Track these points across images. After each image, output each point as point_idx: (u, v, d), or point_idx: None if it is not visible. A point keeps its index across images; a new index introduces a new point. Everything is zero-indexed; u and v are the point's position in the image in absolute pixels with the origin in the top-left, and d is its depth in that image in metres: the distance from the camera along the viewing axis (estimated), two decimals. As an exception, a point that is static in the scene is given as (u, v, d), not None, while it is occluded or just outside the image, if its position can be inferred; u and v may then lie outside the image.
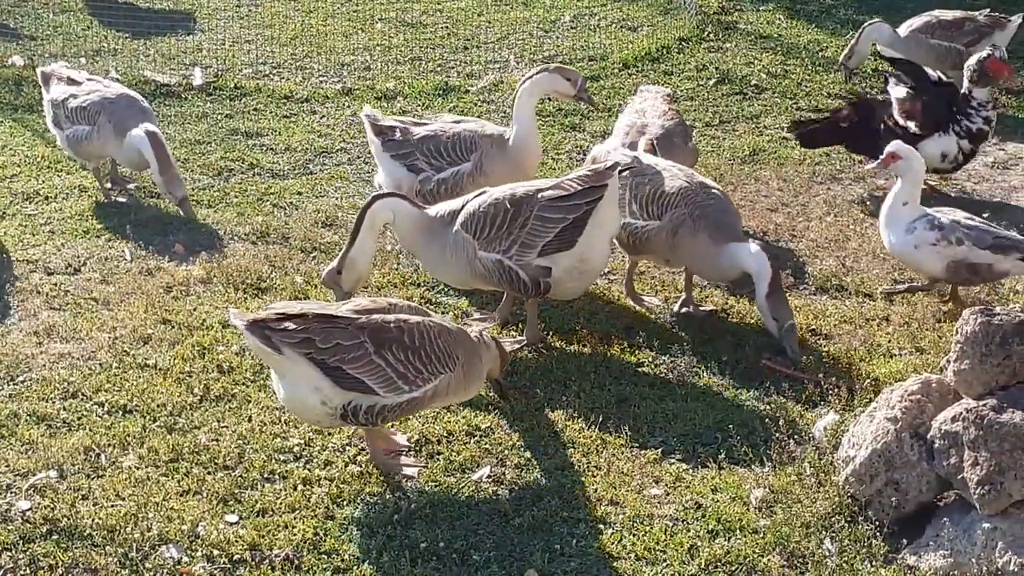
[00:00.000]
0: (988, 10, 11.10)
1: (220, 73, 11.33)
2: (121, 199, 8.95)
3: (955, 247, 7.30)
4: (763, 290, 6.91)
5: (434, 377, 5.79)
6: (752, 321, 7.41)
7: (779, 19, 13.11)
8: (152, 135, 8.36)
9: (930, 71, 9.36)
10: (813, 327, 7.33)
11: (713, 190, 7.31)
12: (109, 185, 9.00)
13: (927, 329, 7.26)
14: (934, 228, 7.36)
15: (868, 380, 6.70)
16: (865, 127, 9.27)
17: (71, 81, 8.90)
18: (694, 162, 8.46)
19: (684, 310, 7.47)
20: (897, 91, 9.23)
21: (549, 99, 10.86)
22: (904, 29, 10.91)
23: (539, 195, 6.79)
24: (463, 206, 6.86)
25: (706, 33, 12.55)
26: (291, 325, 5.56)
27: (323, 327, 5.60)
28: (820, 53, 12.16)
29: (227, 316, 5.73)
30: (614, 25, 12.95)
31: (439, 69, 11.74)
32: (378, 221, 6.73)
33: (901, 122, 9.10)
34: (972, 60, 9.01)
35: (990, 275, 7.37)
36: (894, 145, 7.63)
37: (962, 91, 9.05)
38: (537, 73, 7.81)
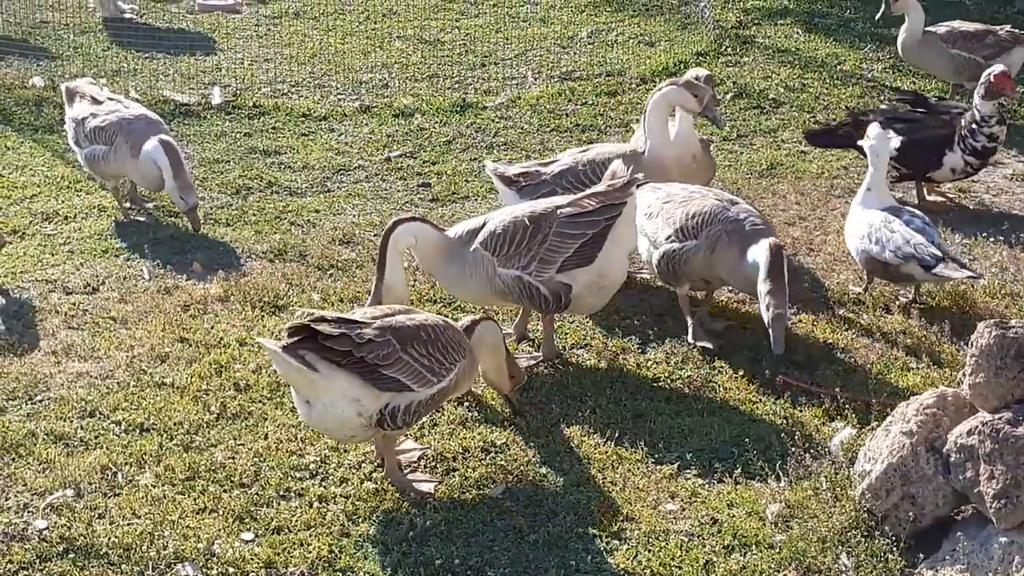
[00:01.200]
0: (1009, 26, 11.07)
1: (239, 92, 11.39)
2: (140, 218, 9.00)
3: (873, 246, 7.58)
4: (762, 274, 6.88)
5: (454, 365, 5.92)
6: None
7: (797, 33, 13.10)
8: (165, 143, 8.45)
9: (931, 98, 9.42)
10: (830, 341, 7.30)
11: (741, 203, 7.35)
12: (128, 204, 9.05)
13: (945, 342, 7.22)
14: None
15: (885, 394, 6.68)
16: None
17: (93, 100, 8.97)
18: (712, 174, 8.49)
19: (700, 343, 7.28)
20: (893, 143, 9.15)
21: (566, 114, 10.91)
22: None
23: (558, 212, 6.84)
24: (483, 225, 6.89)
25: (723, 47, 12.55)
26: (325, 329, 5.58)
27: (353, 326, 5.66)
28: (838, 67, 12.14)
29: (255, 341, 5.76)
30: (631, 40, 12.96)
31: (457, 86, 11.76)
32: (401, 245, 6.74)
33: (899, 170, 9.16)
34: (984, 74, 8.99)
35: (899, 276, 7.55)
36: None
37: (972, 105, 9.00)
38: (667, 86, 7.85)
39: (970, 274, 7.35)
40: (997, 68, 8.97)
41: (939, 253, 7.37)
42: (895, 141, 8.09)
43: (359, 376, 5.64)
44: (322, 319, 5.66)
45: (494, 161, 8.52)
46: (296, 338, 5.62)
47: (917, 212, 7.85)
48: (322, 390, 5.66)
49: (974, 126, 8.92)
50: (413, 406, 5.79)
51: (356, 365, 5.62)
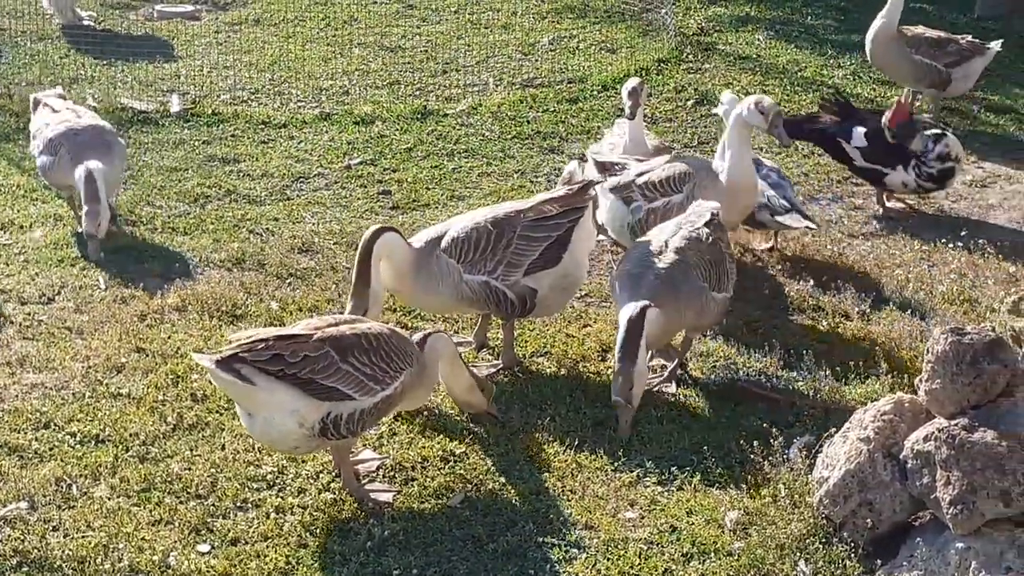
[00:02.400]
0: (970, 36, 11.11)
1: (198, 99, 11.32)
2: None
3: None
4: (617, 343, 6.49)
5: (399, 373, 5.88)
6: (726, 343, 7.40)
7: (758, 40, 13.14)
8: (87, 174, 8.24)
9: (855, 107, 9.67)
10: (789, 348, 7.30)
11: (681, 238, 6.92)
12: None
13: (903, 349, 7.24)
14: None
15: (844, 401, 6.69)
16: (834, 144, 9.38)
17: (52, 110, 8.89)
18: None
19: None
20: (857, 139, 9.23)
21: (528, 121, 10.90)
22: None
23: (520, 216, 6.87)
24: (443, 233, 6.87)
25: (685, 54, 12.57)
26: (258, 346, 5.55)
27: (288, 344, 5.61)
28: (799, 73, 12.18)
29: (193, 357, 5.68)
30: (593, 47, 12.96)
31: (418, 93, 11.73)
32: (382, 254, 6.68)
33: (862, 164, 9.21)
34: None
35: (755, 222, 8.27)
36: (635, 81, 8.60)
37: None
38: (744, 108, 7.73)
39: (808, 224, 8.12)
40: (894, 105, 9.14)
41: (788, 204, 8.13)
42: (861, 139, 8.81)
43: (297, 387, 5.60)
44: (257, 340, 5.61)
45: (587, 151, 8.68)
46: (232, 352, 5.57)
47: (774, 167, 8.51)
48: (261, 403, 5.62)
49: (922, 157, 8.99)
50: (356, 415, 5.74)
51: (293, 377, 5.59)
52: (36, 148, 8.75)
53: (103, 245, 8.33)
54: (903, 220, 9.21)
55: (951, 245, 8.62)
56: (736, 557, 5.58)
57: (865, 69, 12.17)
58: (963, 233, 8.80)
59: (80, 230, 8.75)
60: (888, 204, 9.41)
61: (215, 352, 5.67)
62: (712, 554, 5.62)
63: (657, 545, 5.70)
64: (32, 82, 11.29)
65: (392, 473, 6.20)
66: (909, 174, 9.03)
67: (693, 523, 5.82)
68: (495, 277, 6.81)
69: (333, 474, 6.12)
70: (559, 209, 6.94)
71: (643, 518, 5.88)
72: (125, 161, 9.04)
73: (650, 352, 6.77)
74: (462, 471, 6.20)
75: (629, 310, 6.45)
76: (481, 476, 6.16)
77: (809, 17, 13.94)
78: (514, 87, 11.85)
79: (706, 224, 6.94)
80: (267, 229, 8.92)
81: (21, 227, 8.87)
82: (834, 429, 5.96)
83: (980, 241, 8.60)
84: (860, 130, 9.21)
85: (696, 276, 6.66)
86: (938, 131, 9.12)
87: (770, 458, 6.00)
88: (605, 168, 8.02)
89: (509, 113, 11.12)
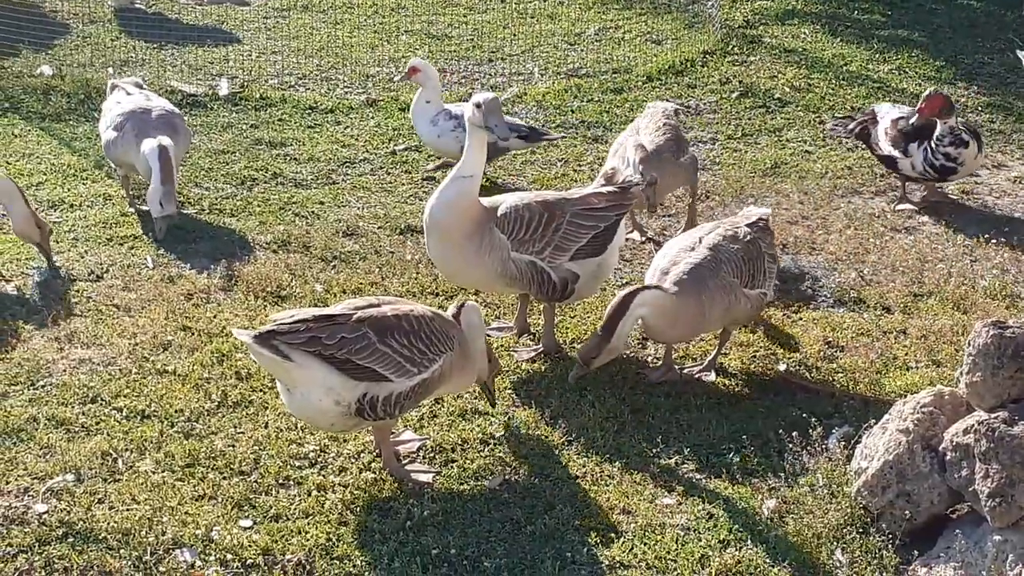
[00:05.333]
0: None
1: (246, 84, 11.42)
2: (145, 207, 9.01)
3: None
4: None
5: (439, 357, 5.89)
6: (766, 333, 7.43)
7: (804, 33, 13.12)
8: (162, 149, 8.38)
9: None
10: (830, 339, 7.32)
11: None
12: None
13: (944, 342, 7.24)
14: (451, 118, 9.22)
15: (883, 393, 6.70)
16: (864, 132, 9.52)
17: (127, 93, 9.04)
18: (689, 175, 8.54)
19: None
20: (885, 122, 9.25)
21: (572, 110, 10.93)
22: None
23: (569, 203, 7.01)
24: (496, 205, 6.94)
25: (730, 47, 12.57)
26: (296, 327, 5.62)
27: (325, 325, 5.67)
28: (844, 67, 12.16)
29: (233, 333, 5.76)
30: (639, 38, 12.98)
31: (463, 81, 11.79)
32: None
33: (885, 143, 9.23)
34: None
35: (495, 152, 8.89)
36: (414, 61, 9.57)
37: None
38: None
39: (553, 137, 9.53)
40: (930, 91, 9.08)
41: (526, 131, 9.32)
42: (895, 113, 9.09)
43: (333, 366, 5.66)
44: (298, 320, 5.66)
45: None
46: (271, 328, 5.64)
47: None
48: (298, 379, 5.69)
49: (935, 143, 8.96)
50: (393, 397, 5.78)
51: (330, 357, 5.64)
52: (103, 126, 8.88)
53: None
54: (946, 214, 9.19)
55: (994, 241, 8.60)
56: (773, 545, 5.60)
57: (911, 64, 12.13)
58: (1006, 229, 8.78)
59: (136, 207, 8.86)
60: (901, 206, 9.31)
61: (255, 329, 5.75)
62: (749, 541, 5.65)
63: (694, 531, 5.73)
64: (84, 64, 11.42)
65: (432, 454, 6.26)
66: (919, 155, 9.02)
67: (730, 510, 5.85)
68: (542, 258, 6.89)
69: (374, 454, 6.19)
70: (606, 203, 7.08)
71: (680, 504, 5.91)
72: (188, 146, 9.15)
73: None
74: (501, 454, 6.26)
75: (625, 289, 6.62)
76: (520, 459, 6.22)
77: (856, 12, 13.91)
78: (559, 76, 11.89)
79: (748, 224, 6.98)
80: (312, 212, 9.00)
81: (72, 206, 8.99)
82: (873, 420, 5.98)
83: (1023, 238, 8.57)
84: (891, 113, 9.25)
85: (726, 272, 6.69)
86: (967, 134, 9.01)
87: (808, 448, 6.02)
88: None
89: (554, 102, 11.16)
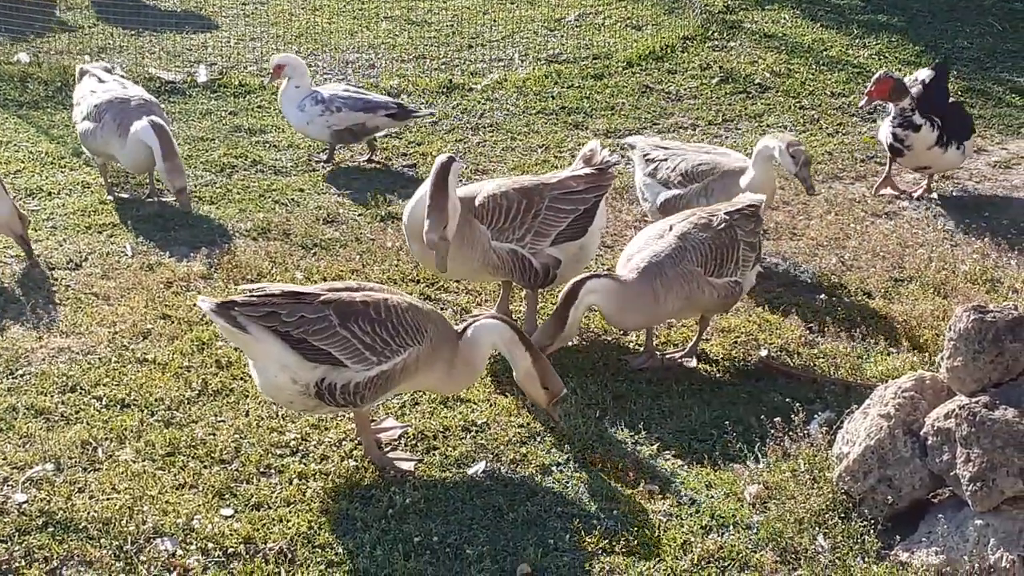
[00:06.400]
0: None
1: (225, 71, 11.37)
2: (123, 195, 8.99)
3: (336, 114, 9.25)
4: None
5: (403, 350, 5.76)
6: (747, 319, 7.43)
7: (784, 18, 13.12)
8: (157, 125, 8.37)
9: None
10: (811, 325, 7.33)
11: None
12: (148, 193, 8.97)
13: (925, 327, 7.25)
14: (318, 103, 9.28)
15: (865, 378, 6.71)
16: None
17: (98, 80, 8.95)
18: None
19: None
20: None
21: (553, 96, 10.92)
22: None
23: (547, 188, 6.98)
24: (473, 196, 6.90)
25: (710, 32, 12.56)
26: (256, 301, 5.59)
27: (288, 303, 5.63)
28: (824, 52, 12.16)
29: (197, 301, 5.72)
30: (619, 24, 12.96)
31: (443, 67, 11.76)
32: (454, 180, 6.59)
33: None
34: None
35: (365, 132, 9.30)
36: (276, 58, 9.65)
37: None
38: (777, 145, 7.55)
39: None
40: (880, 74, 9.14)
41: (395, 108, 9.44)
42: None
43: (288, 344, 5.61)
44: (265, 295, 5.63)
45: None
46: (232, 299, 5.62)
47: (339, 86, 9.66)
48: (257, 352, 5.67)
49: (891, 120, 9.03)
50: (352, 386, 5.71)
51: (286, 334, 5.60)
52: (79, 115, 8.80)
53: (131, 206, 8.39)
54: (926, 200, 9.20)
55: (974, 225, 8.62)
56: (755, 530, 5.61)
57: (891, 49, 12.15)
58: (986, 213, 8.80)
59: (115, 195, 8.83)
60: (883, 191, 9.32)
61: (217, 299, 5.71)
62: (731, 527, 5.65)
63: (676, 517, 5.73)
64: (61, 51, 11.35)
65: (414, 442, 6.25)
66: (887, 128, 9.10)
67: (712, 496, 5.85)
68: (523, 245, 6.88)
69: (356, 442, 6.17)
70: (584, 185, 7.03)
71: (663, 490, 5.91)
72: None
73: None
74: (483, 441, 6.25)
75: (576, 276, 6.61)
76: (502, 446, 6.21)
77: (836, -3, 13.92)
78: (539, 62, 11.87)
79: (730, 211, 6.92)
80: (292, 200, 8.97)
81: (49, 194, 8.93)
82: (855, 406, 5.98)
83: (1003, 221, 8.60)
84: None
85: (690, 260, 6.65)
86: (921, 119, 8.93)
87: (790, 433, 6.03)
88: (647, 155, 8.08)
89: (534, 88, 11.14)
